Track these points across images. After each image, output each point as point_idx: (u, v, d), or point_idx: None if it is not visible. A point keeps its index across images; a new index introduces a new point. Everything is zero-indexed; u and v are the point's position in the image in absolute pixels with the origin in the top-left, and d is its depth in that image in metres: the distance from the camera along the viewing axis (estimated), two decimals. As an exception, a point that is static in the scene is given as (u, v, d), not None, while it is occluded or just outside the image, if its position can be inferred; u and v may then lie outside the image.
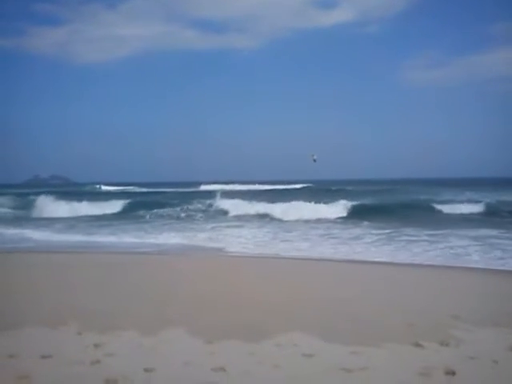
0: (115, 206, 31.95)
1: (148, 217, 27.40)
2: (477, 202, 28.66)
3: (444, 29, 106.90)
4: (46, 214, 28.43)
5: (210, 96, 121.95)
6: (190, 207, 30.64)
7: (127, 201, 33.85)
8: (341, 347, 5.39)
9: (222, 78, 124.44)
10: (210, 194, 33.56)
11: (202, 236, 18.19)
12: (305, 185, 64.99)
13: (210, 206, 30.45)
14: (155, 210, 29.25)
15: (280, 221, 24.57)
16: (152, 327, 6.03)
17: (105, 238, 18.28)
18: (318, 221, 24.01)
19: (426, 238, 16.22)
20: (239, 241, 16.72)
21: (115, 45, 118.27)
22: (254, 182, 67.03)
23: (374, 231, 18.35)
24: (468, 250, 13.54)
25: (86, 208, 30.48)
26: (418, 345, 5.47)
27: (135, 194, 52.96)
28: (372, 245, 15.24)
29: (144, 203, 33.03)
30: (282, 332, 5.84)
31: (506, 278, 10.00)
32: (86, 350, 5.20)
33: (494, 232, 17.30)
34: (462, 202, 29.17)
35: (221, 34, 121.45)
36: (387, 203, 30.08)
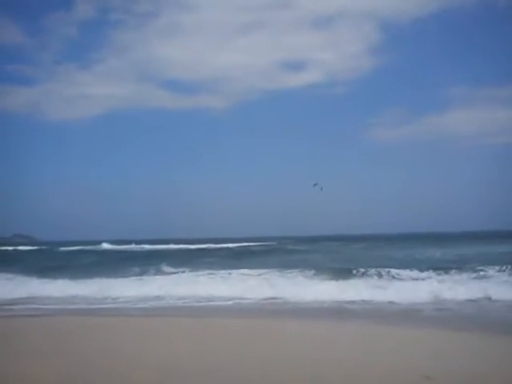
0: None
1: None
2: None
3: (408, 88, 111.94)
4: None
5: (181, 153, 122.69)
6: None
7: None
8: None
9: (192, 137, 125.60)
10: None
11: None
12: (270, 243, 62.97)
13: None
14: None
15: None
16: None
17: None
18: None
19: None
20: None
21: (88, 103, 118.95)
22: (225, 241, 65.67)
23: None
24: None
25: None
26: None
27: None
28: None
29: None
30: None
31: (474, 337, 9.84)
32: None
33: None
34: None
35: (191, 94, 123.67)
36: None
